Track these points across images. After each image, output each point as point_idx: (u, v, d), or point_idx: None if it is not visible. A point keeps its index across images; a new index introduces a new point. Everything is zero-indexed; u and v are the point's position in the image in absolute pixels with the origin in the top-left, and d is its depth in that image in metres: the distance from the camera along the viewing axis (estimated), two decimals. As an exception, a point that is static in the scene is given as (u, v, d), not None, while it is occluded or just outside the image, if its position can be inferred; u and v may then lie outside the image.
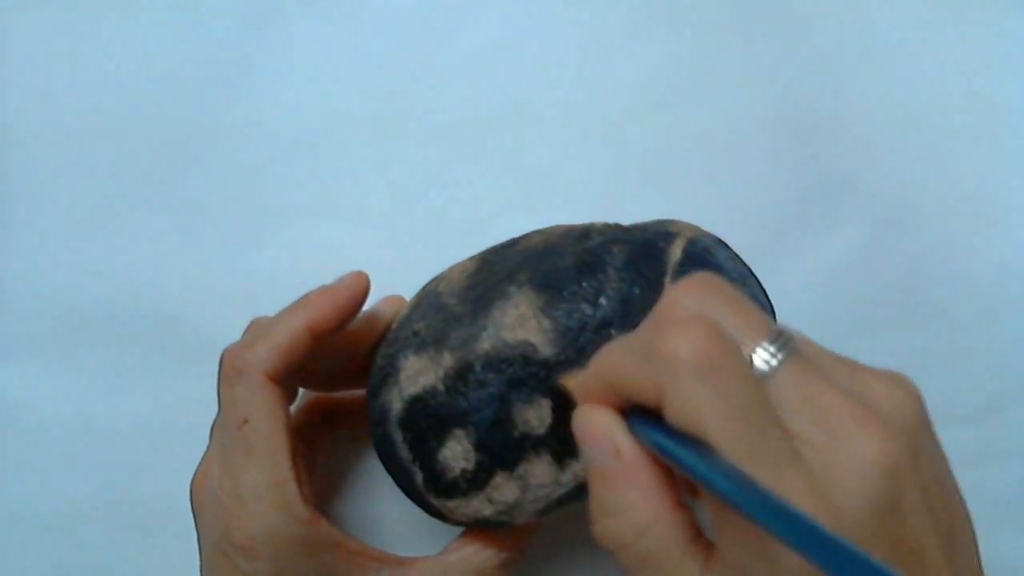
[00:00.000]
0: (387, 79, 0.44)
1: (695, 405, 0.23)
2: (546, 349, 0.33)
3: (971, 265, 0.43)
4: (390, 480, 0.36)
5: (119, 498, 0.42)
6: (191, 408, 0.39)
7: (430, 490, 0.35)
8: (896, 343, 0.43)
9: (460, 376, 0.34)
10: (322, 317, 0.35)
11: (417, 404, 0.34)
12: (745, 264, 0.36)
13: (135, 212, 0.43)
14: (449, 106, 0.44)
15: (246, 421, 0.34)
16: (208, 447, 0.36)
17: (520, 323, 0.33)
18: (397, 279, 0.39)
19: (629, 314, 0.33)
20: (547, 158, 0.44)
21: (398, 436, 0.35)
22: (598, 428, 0.26)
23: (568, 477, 0.34)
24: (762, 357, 0.24)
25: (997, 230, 0.44)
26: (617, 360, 0.26)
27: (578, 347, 0.33)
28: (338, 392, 0.41)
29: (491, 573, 0.36)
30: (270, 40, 0.44)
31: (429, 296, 0.37)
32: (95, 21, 0.44)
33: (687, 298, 0.26)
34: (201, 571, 0.35)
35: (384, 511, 0.42)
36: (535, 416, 0.33)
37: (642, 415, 0.25)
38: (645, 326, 0.26)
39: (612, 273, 0.34)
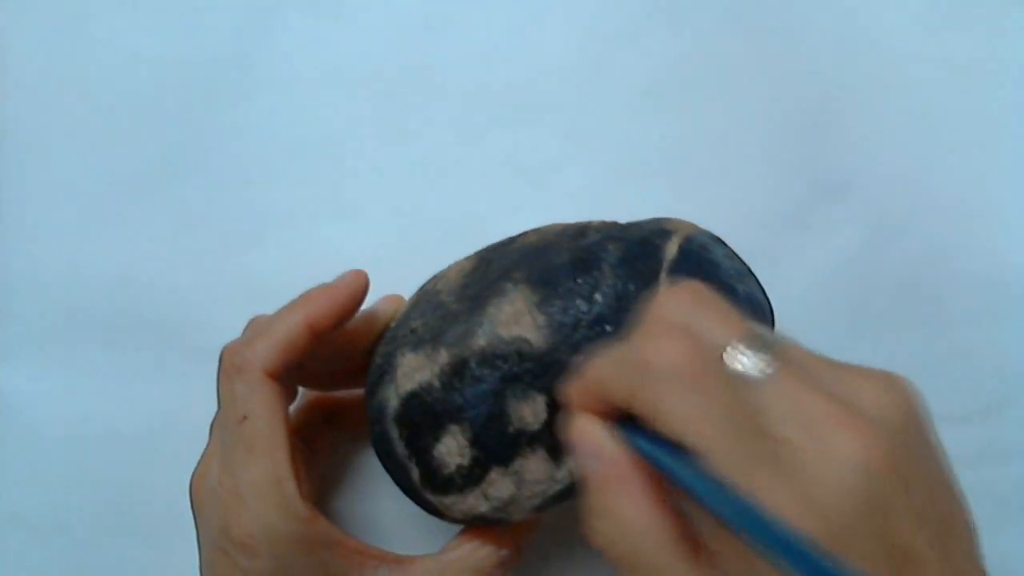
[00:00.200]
0: (387, 79, 0.44)
1: (678, 414, 0.24)
2: (541, 345, 0.33)
3: (971, 265, 0.43)
4: (389, 479, 0.36)
5: (119, 498, 0.42)
6: (191, 408, 0.38)
7: (426, 486, 0.35)
8: (896, 343, 0.43)
9: (456, 372, 0.34)
10: (321, 314, 0.35)
11: (413, 400, 0.34)
12: (743, 261, 0.36)
13: (135, 212, 0.44)
14: (448, 106, 0.44)
15: (245, 418, 0.34)
16: (208, 445, 0.36)
17: (515, 319, 0.33)
18: (396, 278, 0.39)
19: (624, 310, 0.33)
20: (546, 158, 0.44)
21: (395, 433, 0.35)
22: (587, 436, 0.27)
23: (563, 473, 0.34)
24: (745, 363, 0.25)
25: (996, 230, 0.44)
26: (605, 370, 0.27)
27: (573, 343, 0.33)
28: (338, 391, 0.41)
29: (490, 571, 0.36)
30: (270, 40, 0.44)
31: (427, 295, 0.37)
32: (95, 22, 0.44)
33: (671, 306, 0.26)
34: (201, 570, 0.35)
35: (383, 510, 0.42)
36: (530, 412, 0.33)
37: (632, 423, 0.26)
38: (631, 336, 0.27)
39: (607, 270, 0.34)
